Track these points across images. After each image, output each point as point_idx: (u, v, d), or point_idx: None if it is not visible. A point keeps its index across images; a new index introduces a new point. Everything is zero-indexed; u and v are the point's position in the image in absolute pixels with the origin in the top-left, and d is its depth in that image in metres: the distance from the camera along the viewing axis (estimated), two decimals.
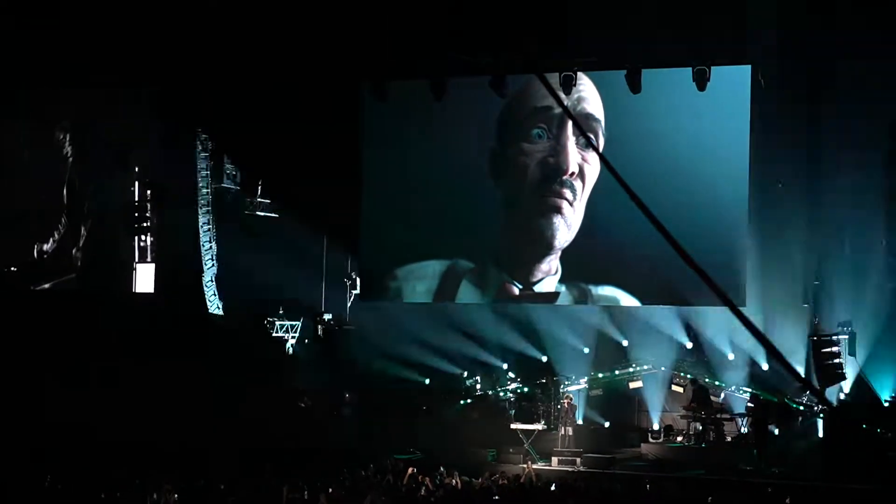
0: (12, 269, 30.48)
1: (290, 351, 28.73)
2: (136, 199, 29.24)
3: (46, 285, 30.14)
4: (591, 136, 25.45)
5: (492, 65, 25.66)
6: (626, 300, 26.11)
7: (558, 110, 25.99)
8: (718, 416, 25.42)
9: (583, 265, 26.18)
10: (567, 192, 26.06)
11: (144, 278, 29.66)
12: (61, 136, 30.31)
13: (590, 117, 25.60)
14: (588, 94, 25.88)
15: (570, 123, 25.52)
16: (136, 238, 29.51)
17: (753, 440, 24.44)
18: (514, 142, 26.62)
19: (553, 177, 26.21)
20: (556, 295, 26.40)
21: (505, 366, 28.03)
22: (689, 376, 26.48)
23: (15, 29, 27.76)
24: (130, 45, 27.56)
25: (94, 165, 30.08)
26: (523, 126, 26.54)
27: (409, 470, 20.25)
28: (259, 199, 29.20)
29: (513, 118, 26.65)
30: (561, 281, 26.33)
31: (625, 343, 27.68)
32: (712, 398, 25.93)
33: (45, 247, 30.33)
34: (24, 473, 19.76)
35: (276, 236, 28.68)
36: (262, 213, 29.22)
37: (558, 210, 26.13)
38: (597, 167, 25.63)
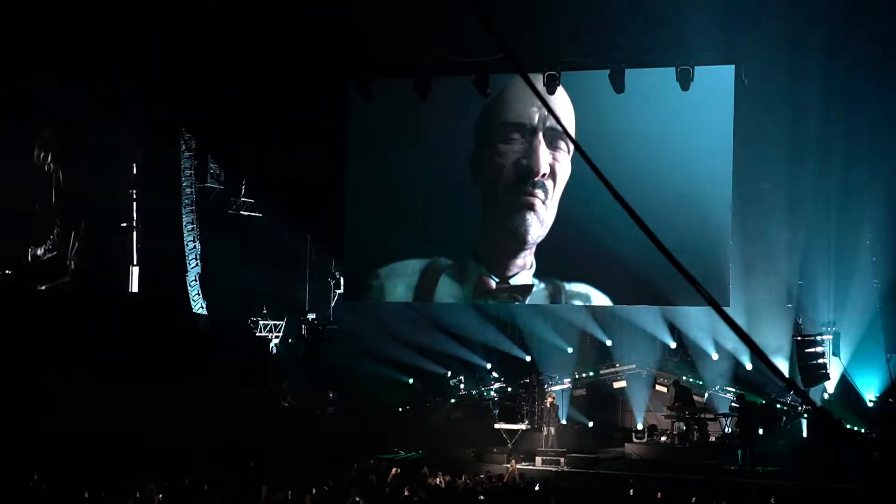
0: (7, 272, 30.46)
1: (274, 350, 28.68)
2: (122, 199, 29.10)
3: (41, 288, 30.11)
4: (572, 136, 25.54)
5: (475, 63, 25.62)
6: (599, 298, 26.14)
7: (533, 113, 26.12)
8: (702, 415, 25.45)
9: (556, 261, 26.28)
10: (539, 192, 26.27)
11: (133, 279, 29.64)
12: (48, 138, 30.26)
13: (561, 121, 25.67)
14: (560, 99, 25.89)
15: (541, 126, 25.83)
16: (125, 238, 29.40)
17: (739, 440, 24.48)
18: (491, 143, 26.71)
19: (526, 177, 26.34)
20: (530, 287, 26.49)
21: (489, 365, 28.03)
22: (672, 376, 26.54)
23: None
24: (114, 44, 27.49)
25: (80, 167, 30.01)
26: (500, 128, 26.62)
27: (394, 470, 20.23)
28: (243, 199, 29.12)
29: (491, 120, 26.74)
30: (535, 276, 26.41)
31: (609, 343, 27.73)
32: (695, 398, 25.98)
33: (39, 250, 30.28)
34: (12, 473, 19.70)
35: (260, 236, 28.63)
36: (246, 213, 29.14)
37: (531, 207, 26.31)
38: (568, 167, 25.91)
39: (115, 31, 27.04)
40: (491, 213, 26.80)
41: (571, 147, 25.72)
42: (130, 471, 19.49)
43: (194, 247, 28.92)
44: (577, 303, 26.71)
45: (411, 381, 27.83)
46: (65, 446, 23.87)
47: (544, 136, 26.10)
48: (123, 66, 28.17)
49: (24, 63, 28.46)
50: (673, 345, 27.04)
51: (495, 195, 26.69)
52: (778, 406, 25.40)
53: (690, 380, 26.40)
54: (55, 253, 30.08)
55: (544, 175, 26.15)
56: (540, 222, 26.28)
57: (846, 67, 23.89)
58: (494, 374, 27.81)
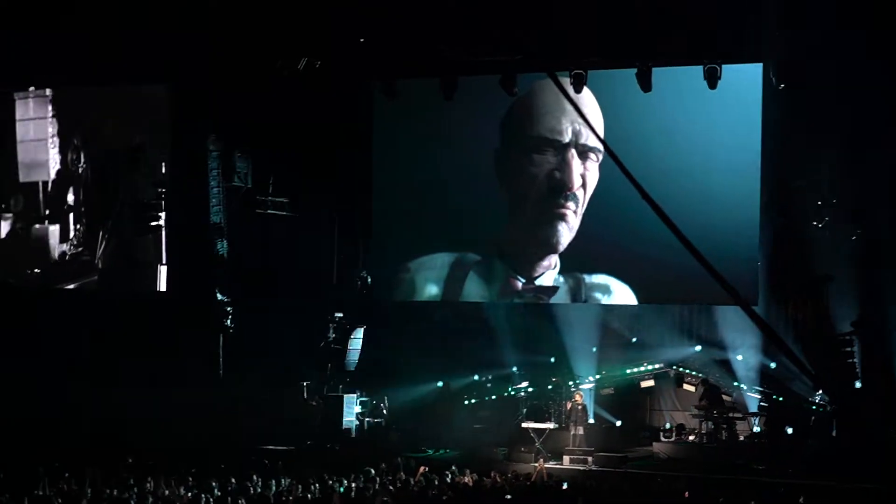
0: (35, 270, 30.67)
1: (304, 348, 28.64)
2: (149, 198, 29.17)
3: (70, 286, 30.30)
4: (602, 138, 25.49)
5: (501, 63, 25.59)
6: (626, 296, 26.10)
7: (565, 126, 26.07)
8: (730, 414, 25.37)
9: (582, 261, 26.30)
10: (570, 204, 26.24)
11: (161, 278, 29.79)
12: (76, 138, 30.44)
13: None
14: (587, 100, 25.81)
15: (574, 140, 25.98)
16: (152, 238, 29.50)
17: (768, 440, 24.42)
18: (521, 150, 26.66)
19: (559, 190, 26.33)
20: (556, 288, 26.48)
21: (515, 368, 27.98)
22: (700, 375, 26.47)
23: (26, 27, 27.87)
24: (142, 43, 27.63)
25: (108, 166, 30.17)
26: (531, 139, 26.57)
27: (421, 468, 20.24)
28: (270, 198, 29.12)
29: (520, 125, 26.66)
30: (560, 274, 26.36)
31: (635, 342, 27.65)
32: (724, 397, 25.90)
33: (66, 248, 30.46)
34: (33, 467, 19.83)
35: (287, 234, 28.65)
36: (273, 212, 29.14)
37: (562, 218, 26.30)
38: (597, 174, 25.93)
39: (144, 29, 27.19)
40: (519, 221, 26.73)
41: (601, 154, 25.63)
42: (158, 471, 19.58)
43: (222, 245, 28.94)
44: (603, 301, 26.66)
45: (440, 383, 27.75)
46: (95, 444, 24.06)
47: (576, 148, 26.06)
48: (152, 65, 28.36)
49: (52, 61, 28.70)
50: (699, 344, 26.94)
51: (525, 205, 26.64)
52: (807, 405, 25.26)
53: (718, 378, 26.30)
54: (80, 250, 30.23)
55: (576, 187, 26.11)
56: (570, 230, 26.24)
57: (881, 64, 23.72)
58: (521, 374, 27.72)
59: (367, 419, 27.12)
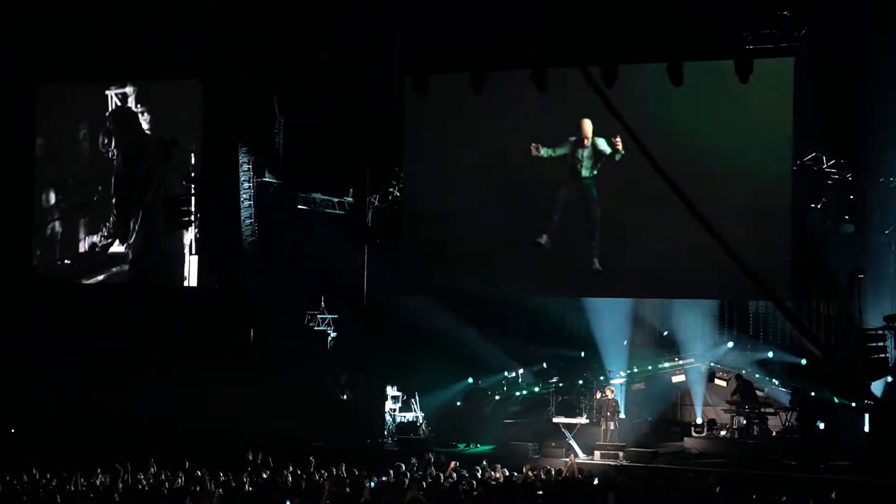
0: (66, 262, 30.88)
1: (332, 344, 28.72)
2: (181, 193, 29.28)
3: (100, 277, 30.48)
4: (636, 135, 25.34)
5: (532, 57, 25.53)
6: (657, 291, 26.21)
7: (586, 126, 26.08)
8: (762, 409, 25.29)
9: (614, 256, 26.09)
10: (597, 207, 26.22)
11: (192, 272, 29.94)
12: (108, 131, 30.62)
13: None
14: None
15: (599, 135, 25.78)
16: (183, 232, 29.61)
17: (800, 435, 24.35)
18: (548, 147, 26.54)
19: (586, 192, 26.38)
20: (587, 283, 26.36)
21: (544, 363, 27.96)
22: (732, 370, 26.40)
23: (62, 22, 28.15)
24: (174, 37, 27.80)
25: (140, 159, 30.32)
26: (559, 139, 26.47)
27: (453, 463, 20.24)
28: (301, 194, 29.15)
29: (550, 125, 26.56)
30: (592, 271, 26.27)
31: (666, 337, 27.60)
32: (756, 392, 25.82)
33: (96, 240, 30.65)
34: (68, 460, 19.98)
35: (317, 229, 28.66)
36: (303, 207, 29.16)
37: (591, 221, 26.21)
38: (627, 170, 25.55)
39: (174, 24, 27.33)
40: (549, 221, 26.65)
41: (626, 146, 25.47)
42: (189, 464, 19.65)
43: (252, 241, 29.01)
44: (634, 296, 26.61)
45: (470, 379, 27.73)
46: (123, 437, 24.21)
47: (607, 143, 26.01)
48: (183, 58, 28.52)
49: (87, 56, 28.92)
50: (731, 343, 26.88)
51: (554, 206, 26.54)
52: (839, 400, 25.16)
53: (751, 374, 26.22)
54: (109, 241, 30.39)
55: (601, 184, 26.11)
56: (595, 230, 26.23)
57: None
58: (551, 369, 27.70)
59: (398, 415, 27.16)
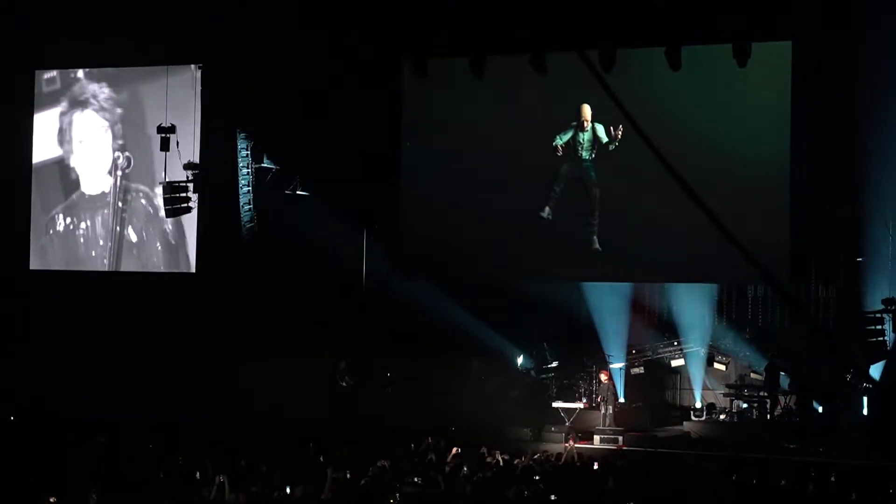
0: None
1: (330, 331, 28.67)
2: (178, 179, 29.22)
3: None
4: (634, 120, 25.31)
5: (531, 40, 25.53)
6: (655, 275, 26.21)
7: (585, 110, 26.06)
8: (761, 393, 25.34)
9: (616, 240, 26.11)
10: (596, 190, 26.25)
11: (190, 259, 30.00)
12: (107, 121, 30.69)
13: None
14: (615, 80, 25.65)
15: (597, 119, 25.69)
16: (180, 219, 29.62)
17: (799, 419, 24.43)
18: (548, 135, 26.52)
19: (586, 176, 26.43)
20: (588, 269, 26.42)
21: (545, 344, 27.95)
22: (731, 354, 26.45)
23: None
24: (171, 23, 27.83)
25: (138, 145, 30.35)
26: (557, 125, 26.46)
27: (454, 449, 20.20)
28: (299, 180, 29.12)
29: (548, 109, 26.54)
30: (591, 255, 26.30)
31: (666, 320, 27.60)
32: (754, 375, 25.88)
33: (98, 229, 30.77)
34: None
35: (315, 215, 28.62)
36: (302, 193, 29.12)
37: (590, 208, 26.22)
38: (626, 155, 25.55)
39: (174, 12, 27.36)
40: (551, 193, 26.59)
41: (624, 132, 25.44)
42: (186, 452, 19.64)
43: (251, 227, 29.00)
44: (634, 280, 26.64)
45: (472, 364, 27.72)
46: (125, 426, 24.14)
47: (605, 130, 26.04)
48: (181, 46, 28.55)
49: (84, 40, 28.98)
50: (729, 321, 26.91)
51: (556, 179, 26.53)
52: (837, 383, 25.19)
53: (749, 357, 26.28)
54: (118, 230, 30.51)
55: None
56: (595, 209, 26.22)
57: None
58: (551, 353, 27.70)
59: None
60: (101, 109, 30.80)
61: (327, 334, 27.86)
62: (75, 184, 31.13)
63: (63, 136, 31.12)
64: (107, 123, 30.75)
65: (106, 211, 30.73)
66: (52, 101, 31.20)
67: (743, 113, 25.20)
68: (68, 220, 31.12)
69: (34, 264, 31.24)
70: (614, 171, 25.85)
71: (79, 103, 31.02)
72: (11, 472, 17.55)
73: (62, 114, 31.11)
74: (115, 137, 30.67)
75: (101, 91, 30.78)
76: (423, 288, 27.74)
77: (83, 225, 30.96)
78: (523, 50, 25.92)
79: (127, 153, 30.60)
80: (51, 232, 31.25)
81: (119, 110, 30.64)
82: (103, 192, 30.82)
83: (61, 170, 31.24)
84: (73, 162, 31.19)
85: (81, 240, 31.03)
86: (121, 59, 30.08)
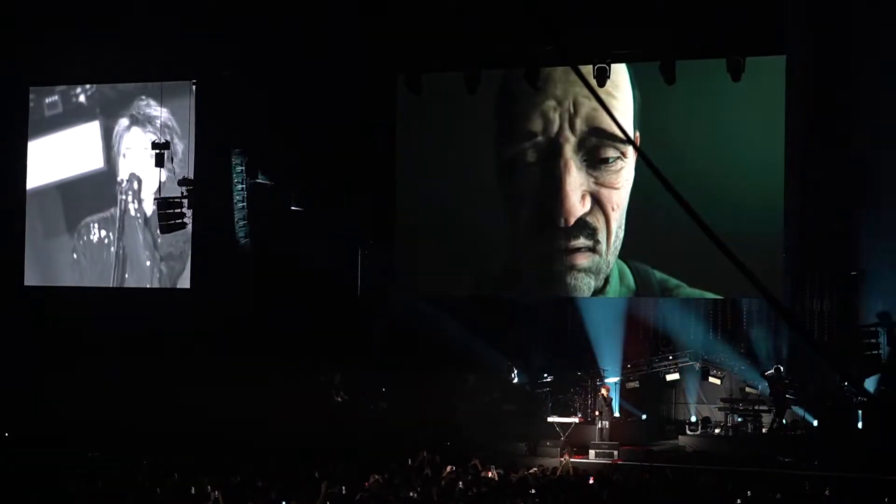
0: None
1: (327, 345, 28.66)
2: (172, 195, 29.18)
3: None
4: (628, 134, 25.39)
5: (525, 55, 25.59)
6: (650, 289, 26.10)
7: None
8: (756, 407, 25.34)
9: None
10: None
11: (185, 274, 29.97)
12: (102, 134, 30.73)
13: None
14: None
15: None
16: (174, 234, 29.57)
17: (794, 432, 24.43)
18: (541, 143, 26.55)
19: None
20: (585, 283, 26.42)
21: (539, 359, 27.92)
22: (726, 368, 26.43)
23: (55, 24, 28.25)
24: (166, 39, 27.85)
25: (134, 161, 30.34)
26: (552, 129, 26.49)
27: (449, 468, 20.15)
28: (293, 194, 29.12)
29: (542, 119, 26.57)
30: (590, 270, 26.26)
31: (661, 335, 27.58)
32: (749, 390, 25.88)
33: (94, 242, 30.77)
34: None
35: (311, 231, 28.61)
36: (296, 208, 29.12)
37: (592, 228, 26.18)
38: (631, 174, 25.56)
39: (166, 25, 27.38)
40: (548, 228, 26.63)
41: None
42: (182, 467, 19.62)
43: (246, 242, 28.99)
44: (628, 294, 26.64)
45: (468, 378, 27.70)
46: (117, 442, 24.11)
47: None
48: (176, 60, 28.59)
49: (78, 58, 28.99)
50: (725, 335, 26.88)
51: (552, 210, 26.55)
52: (832, 397, 25.18)
53: (744, 371, 26.26)
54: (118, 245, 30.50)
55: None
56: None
57: None
58: (546, 368, 27.69)
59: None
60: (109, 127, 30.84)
61: (323, 349, 27.84)
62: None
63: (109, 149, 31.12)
64: (111, 140, 30.70)
65: (106, 229, 30.69)
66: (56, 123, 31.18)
67: (737, 126, 25.24)
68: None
69: (29, 280, 31.18)
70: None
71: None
72: (7, 489, 17.56)
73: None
74: (119, 153, 30.61)
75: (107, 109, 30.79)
76: (418, 302, 27.76)
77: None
78: (517, 64, 25.97)
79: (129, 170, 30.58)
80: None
81: (123, 124, 30.61)
82: (109, 210, 30.77)
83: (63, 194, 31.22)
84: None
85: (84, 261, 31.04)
86: (116, 75, 30.05)
